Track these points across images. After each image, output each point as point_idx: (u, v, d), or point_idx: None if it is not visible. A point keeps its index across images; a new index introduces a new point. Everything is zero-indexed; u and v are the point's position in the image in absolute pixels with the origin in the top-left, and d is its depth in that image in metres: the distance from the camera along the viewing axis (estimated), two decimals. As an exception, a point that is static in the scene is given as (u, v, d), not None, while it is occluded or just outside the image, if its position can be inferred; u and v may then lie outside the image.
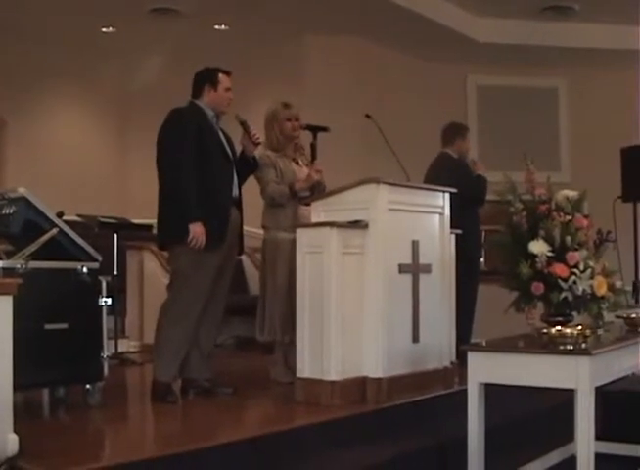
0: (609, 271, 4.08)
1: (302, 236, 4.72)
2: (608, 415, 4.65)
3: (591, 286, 3.91)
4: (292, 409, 4.59)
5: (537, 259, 3.88)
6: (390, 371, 4.68)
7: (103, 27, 9.12)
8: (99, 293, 4.60)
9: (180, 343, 4.79)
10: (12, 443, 3.17)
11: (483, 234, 6.66)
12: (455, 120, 6.94)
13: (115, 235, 6.80)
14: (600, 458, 3.66)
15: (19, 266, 4.10)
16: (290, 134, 5.48)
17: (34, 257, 4.16)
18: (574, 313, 3.99)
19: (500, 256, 4.12)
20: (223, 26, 9.09)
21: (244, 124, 5.02)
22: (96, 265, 4.60)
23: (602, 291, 3.95)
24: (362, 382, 4.65)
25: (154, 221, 4.96)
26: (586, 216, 4.12)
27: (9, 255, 4.27)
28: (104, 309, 4.63)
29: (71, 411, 4.53)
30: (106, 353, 4.65)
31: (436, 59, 9.77)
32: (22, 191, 4.36)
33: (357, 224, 4.67)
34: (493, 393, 3.78)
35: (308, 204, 5.02)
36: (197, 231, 4.66)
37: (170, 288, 4.88)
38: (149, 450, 3.70)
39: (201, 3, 8.35)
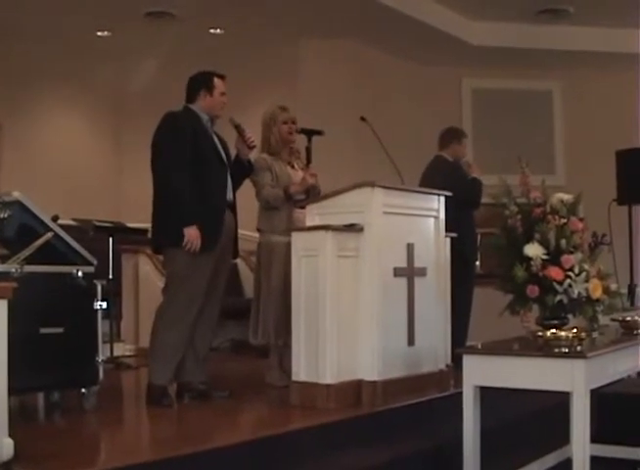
0: (604, 274, 4.09)
1: (297, 239, 4.72)
2: (603, 418, 4.65)
3: (586, 289, 3.92)
4: (287, 413, 4.58)
5: (532, 262, 3.89)
6: (386, 374, 4.69)
7: (98, 31, 9.10)
8: (94, 296, 4.59)
9: (176, 346, 4.78)
10: (7, 447, 3.16)
11: (479, 237, 6.67)
12: (454, 125, 6.96)
13: (111, 239, 6.80)
14: (595, 461, 3.66)
15: (14, 270, 4.09)
16: (286, 137, 5.50)
17: (29, 261, 4.16)
18: (570, 316, 4.00)
19: (495, 258, 4.13)
20: (218, 30, 9.08)
21: (238, 128, 5.02)
22: (91, 269, 4.61)
23: (597, 294, 3.96)
24: (358, 385, 4.65)
25: (149, 225, 4.96)
26: (581, 219, 4.13)
27: (4, 259, 4.27)
28: (99, 313, 4.62)
29: (67, 415, 4.52)
30: (101, 357, 4.64)
31: (431, 62, 9.78)
32: (16, 195, 4.35)
33: (352, 228, 4.67)
34: (489, 396, 3.78)
35: (303, 207, 5.02)
36: (192, 234, 4.66)
37: (165, 291, 4.87)
38: (144, 454, 3.68)
39: (196, 7, 8.35)
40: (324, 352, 4.54)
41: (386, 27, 8.76)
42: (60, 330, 4.34)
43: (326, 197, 4.90)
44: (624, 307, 5.40)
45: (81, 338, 4.48)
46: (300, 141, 5.58)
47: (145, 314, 7.01)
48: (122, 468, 3.29)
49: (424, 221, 5.15)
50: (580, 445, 3.46)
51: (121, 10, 8.38)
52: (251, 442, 3.86)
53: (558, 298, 3.87)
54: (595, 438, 3.89)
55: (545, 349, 3.59)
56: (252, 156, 5.22)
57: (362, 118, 5.76)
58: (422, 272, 5.05)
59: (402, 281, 4.91)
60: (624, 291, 6.70)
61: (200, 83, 4.96)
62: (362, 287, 4.68)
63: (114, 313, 7.07)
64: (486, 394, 3.75)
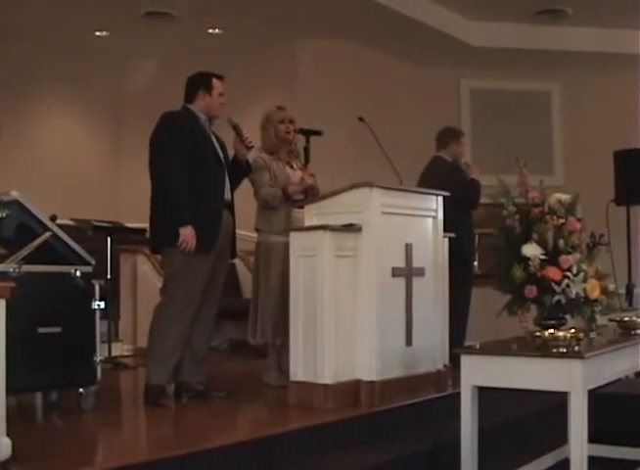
0: (602, 274, 4.09)
1: (296, 239, 4.72)
2: (600, 418, 4.65)
3: (584, 289, 3.92)
4: (285, 413, 4.58)
5: (530, 263, 3.89)
6: (384, 374, 4.69)
7: (97, 31, 9.11)
8: (92, 296, 4.59)
9: (173, 346, 4.78)
10: (5, 447, 3.16)
11: (477, 237, 6.67)
12: (450, 125, 6.96)
13: (109, 239, 6.80)
14: (593, 461, 3.66)
15: (12, 270, 4.09)
16: (284, 136, 5.50)
17: (27, 260, 4.16)
18: (567, 316, 4.00)
19: (493, 259, 4.13)
20: (217, 30, 9.09)
21: (236, 128, 5.02)
22: (89, 269, 4.60)
23: (595, 294, 3.96)
24: (355, 385, 4.65)
25: (147, 225, 4.96)
26: (579, 220, 4.12)
27: (2, 258, 4.27)
28: (97, 313, 4.62)
29: (65, 415, 4.52)
30: (99, 357, 4.63)
31: (430, 63, 9.78)
32: (15, 194, 4.35)
33: (351, 228, 4.67)
34: (486, 396, 3.78)
35: (302, 207, 5.02)
36: (187, 234, 4.66)
37: (163, 291, 4.87)
38: (142, 454, 3.68)
39: (194, 7, 8.35)
40: (322, 351, 4.54)
41: (384, 28, 8.77)
42: (58, 330, 4.34)
43: (324, 197, 4.90)
44: (622, 308, 5.40)
45: (79, 338, 4.48)
46: (299, 141, 5.58)
47: (143, 314, 7.00)
48: (120, 468, 3.29)
49: (422, 222, 5.15)
50: (578, 445, 3.46)
51: (120, 10, 8.38)
52: (249, 442, 3.86)
53: (556, 298, 3.87)
54: (593, 438, 3.88)
55: (543, 349, 3.59)
56: (251, 156, 5.22)
57: (360, 119, 5.77)
58: (420, 272, 5.05)
59: (400, 281, 4.91)
60: (622, 291, 6.72)
61: (198, 83, 4.96)
62: (360, 287, 4.68)
63: (111, 313, 7.07)
64: (484, 394, 3.75)
